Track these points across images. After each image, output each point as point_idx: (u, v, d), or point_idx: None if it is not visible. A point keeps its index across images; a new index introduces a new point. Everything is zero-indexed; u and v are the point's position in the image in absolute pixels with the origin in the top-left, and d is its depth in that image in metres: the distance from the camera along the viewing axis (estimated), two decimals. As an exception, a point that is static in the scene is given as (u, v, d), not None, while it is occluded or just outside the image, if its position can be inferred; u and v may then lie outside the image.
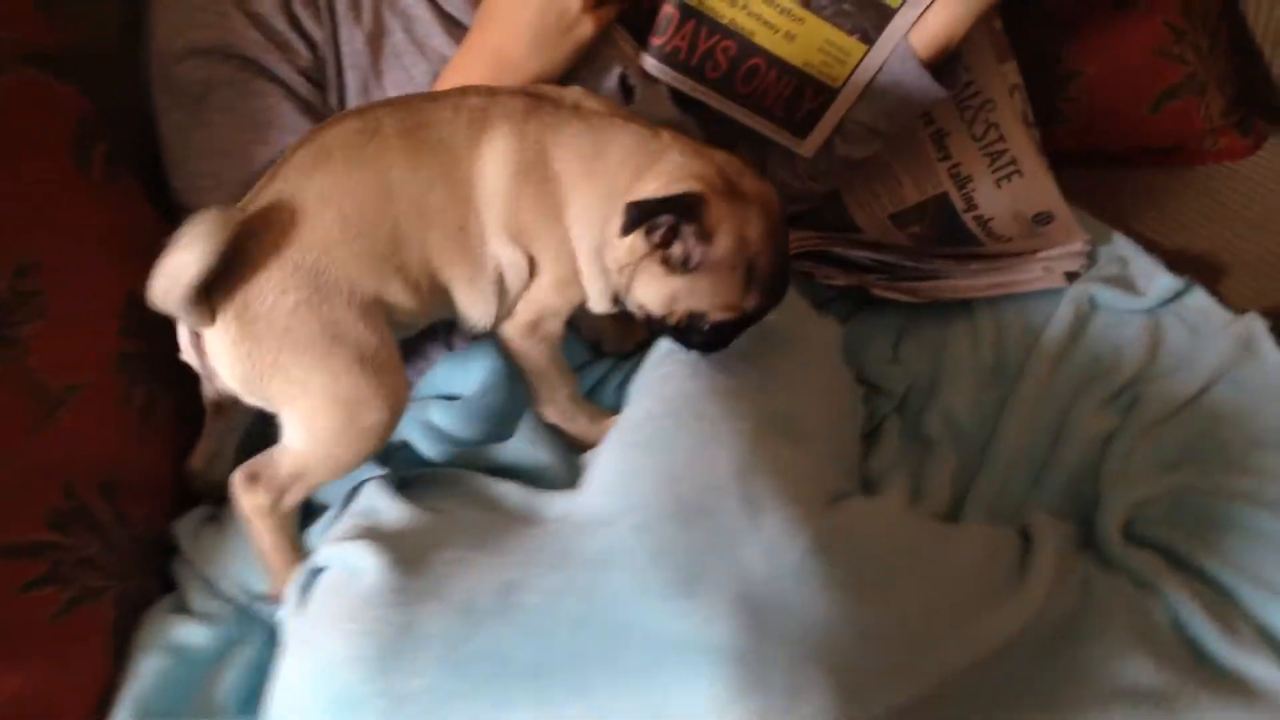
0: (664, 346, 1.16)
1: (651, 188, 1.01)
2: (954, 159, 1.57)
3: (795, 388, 1.14)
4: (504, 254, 1.06)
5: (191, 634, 1.07)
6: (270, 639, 1.07)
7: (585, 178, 1.04)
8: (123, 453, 1.16)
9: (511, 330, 1.11)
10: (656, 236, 1.00)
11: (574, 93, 1.09)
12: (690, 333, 1.07)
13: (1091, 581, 1.08)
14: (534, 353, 1.12)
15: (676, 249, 1.01)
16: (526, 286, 1.08)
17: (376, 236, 1.01)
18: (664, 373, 1.13)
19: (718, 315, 1.05)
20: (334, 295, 1.00)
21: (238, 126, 1.24)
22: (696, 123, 1.40)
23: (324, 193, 1.00)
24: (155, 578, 1.16)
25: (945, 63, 1.36)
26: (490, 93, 1.06)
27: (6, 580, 1.02)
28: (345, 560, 0.98)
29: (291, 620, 0.98)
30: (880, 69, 1.35)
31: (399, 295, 1.04)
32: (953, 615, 0.99)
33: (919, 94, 1.37)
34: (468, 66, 1.22)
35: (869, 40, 1.33)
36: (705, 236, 0.99)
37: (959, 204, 1.56)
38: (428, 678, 0.88)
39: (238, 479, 1.05)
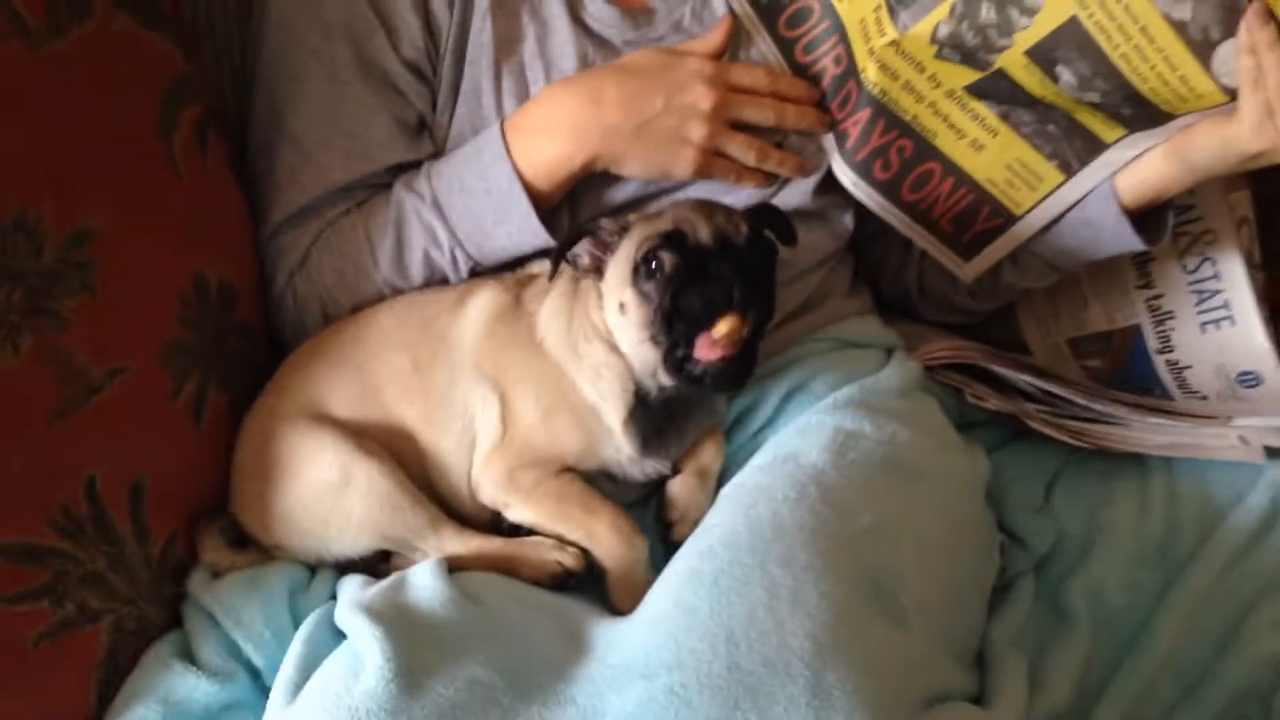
0: (775, 448, 1.08)
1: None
2: (1156, 289, 1.41)
3: (916, 540, 1.02)
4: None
5: (194, 689, 0.99)
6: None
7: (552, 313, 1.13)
8: (160, 452, 1.06)
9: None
10: (583, 266, 1.09)
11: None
12: (672, 338, 1.03)
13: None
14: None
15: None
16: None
17: None
18: (764, 482, 1.03)
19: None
20: None
21: (324, 126, 1.20)
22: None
23: None
24: (162, 608, 1.06)
25: (1152, 213, 1.20)
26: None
27: (-4, 585, 0.92)
28: (352, 644, 0.89)
29: (275, 709, 0.89)
30: (1074, 205, 1.20)
31: None
32: None
33: (1113, 241, 1.21)
34: (569, 88, 1.17)
35: (1069, 170, 1.19)
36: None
37: (1152, 342, 1.41)
38: None
39: None
